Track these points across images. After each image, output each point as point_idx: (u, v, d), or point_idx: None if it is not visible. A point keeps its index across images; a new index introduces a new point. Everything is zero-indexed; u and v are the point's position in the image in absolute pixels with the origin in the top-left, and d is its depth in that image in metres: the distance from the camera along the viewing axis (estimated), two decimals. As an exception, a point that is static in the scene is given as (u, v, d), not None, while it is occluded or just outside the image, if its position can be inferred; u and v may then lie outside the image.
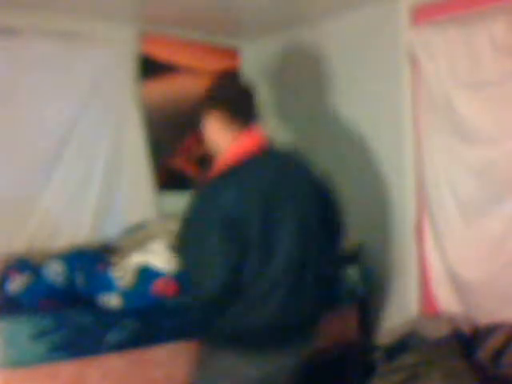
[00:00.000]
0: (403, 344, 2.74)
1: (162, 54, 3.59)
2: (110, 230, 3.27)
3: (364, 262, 3.30)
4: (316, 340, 2.11)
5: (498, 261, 2.72)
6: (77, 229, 3.19)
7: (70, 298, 2.58)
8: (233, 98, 2.06)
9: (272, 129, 3.93)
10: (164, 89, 3.62)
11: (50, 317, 2.33)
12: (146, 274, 2.53)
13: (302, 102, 3.69)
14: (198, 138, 2.21)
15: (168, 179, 3.61)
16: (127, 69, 3.38)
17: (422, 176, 3.06)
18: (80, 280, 2.64)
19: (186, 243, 1.95)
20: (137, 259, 2.58)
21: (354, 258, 3.32)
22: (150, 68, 3.53)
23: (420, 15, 3.03)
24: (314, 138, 3.61)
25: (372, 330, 3.30)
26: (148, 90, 3.53)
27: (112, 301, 2.43)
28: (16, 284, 2.57)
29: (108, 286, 2.48)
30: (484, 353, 2.51)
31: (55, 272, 2.66)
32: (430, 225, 3.03)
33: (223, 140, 2.03)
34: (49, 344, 2.29)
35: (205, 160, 2.52)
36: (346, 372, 3.10)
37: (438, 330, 2.72)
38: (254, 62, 3.97)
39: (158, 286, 2.49)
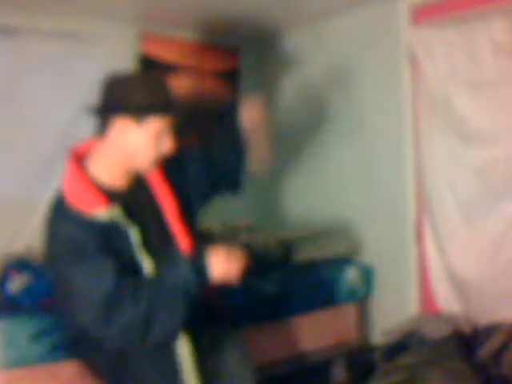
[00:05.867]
0: (403, 344, 2.74)
1: (162, 53, 3.59)
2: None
3: (364, 261, 3.31)
4: None
5: (498, 261, 2.72)
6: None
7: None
8: None
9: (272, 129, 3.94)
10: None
11: (49, 317, 2.33)
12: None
13: (302, 102, 3.69)
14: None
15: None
16: (127, 69, 3.38)
17: (422, 176, 3.05)
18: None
19: None
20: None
21: (353, 258, 3.33)
22: (150, 68, 3.52)
23: (420, 15, 3.03)
24: (312, 137, 3.62)
25: (372, 329, 3.30)
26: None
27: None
28: (16, 284, 2.57)
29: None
30: (484, 353, 2.51)
31: (55, 272, 2.66)
32: (429, 225, 3.03)
33: None
34: (49, 344, 2.29)
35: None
36: (345, 372, 3.10)
37: (438, 330, 2.72)
38: (254, 62, 3.97)
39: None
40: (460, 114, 2.83)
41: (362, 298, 3.27)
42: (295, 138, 3.72)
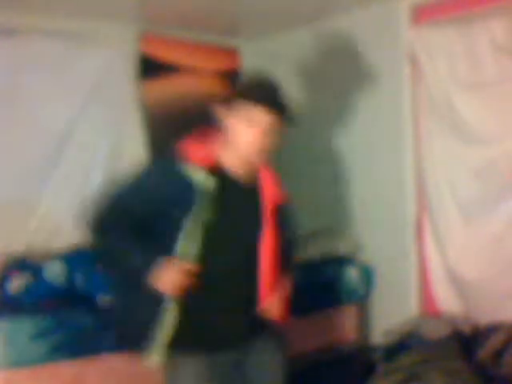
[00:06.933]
0: (403, 344, 2.74)
1: (162, 53, 3.59)
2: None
3: (364, 261, 3.31)
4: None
5: (498, 261, 2.72)
6: (77, 229, 3.18)
7: (69, 298, 2.58)
8: None
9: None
10: (164, 89, 3.62)
11: (49, 317, 2.33)
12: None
13: (302, 102, 3.69)
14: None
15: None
16: (127, 69, 3.38)
17: (422, 176, 3.06)
18: (80, 280, 2.64)
19: None
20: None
21: (353, 258, 3.33)
22: (150, 68, 3.52)
23: (420, 15, 3.03)
24: (314, 137, 3.62)
25: (372, 329, 3.30)
26: (148, 89, 3.53)
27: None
28: (16, 284, 2.57)
29: (107, 286, 2.47)
30: (484, 353, 2.51)
31: (55, 272, 2.66)
32: (430, 225, 3.03)
33: None
34: (49, 344, 2.29)
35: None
36: (345, 372, 3.11)
37: (437, 330, 2.72)
38: (254, 62, 3.97)
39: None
40: (460, 113, 2.83)
41: (361, 297, 3.27)
42: (296, 138, 3.72)
